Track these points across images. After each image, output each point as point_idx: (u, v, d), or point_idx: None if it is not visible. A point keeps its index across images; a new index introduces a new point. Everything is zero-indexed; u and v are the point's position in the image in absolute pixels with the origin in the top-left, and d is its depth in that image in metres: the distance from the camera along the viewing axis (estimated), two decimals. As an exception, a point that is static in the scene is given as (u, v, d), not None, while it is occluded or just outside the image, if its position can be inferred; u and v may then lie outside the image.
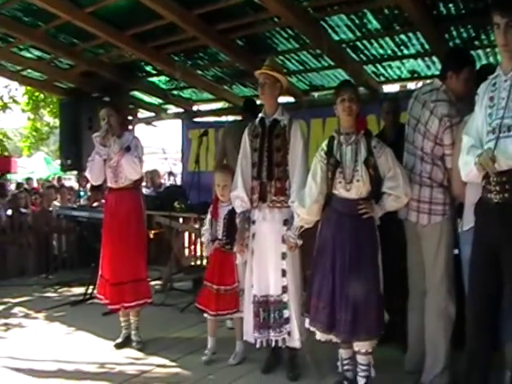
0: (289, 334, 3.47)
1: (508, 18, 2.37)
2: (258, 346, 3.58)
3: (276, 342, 3.51)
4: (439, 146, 3.15)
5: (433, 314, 3.20)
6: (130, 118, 4.65)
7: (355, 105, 3.08)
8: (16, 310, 5.45)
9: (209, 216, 3.92)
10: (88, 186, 11.21)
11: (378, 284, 3.04)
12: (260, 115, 3.68)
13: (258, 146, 3.58)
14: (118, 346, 4.17)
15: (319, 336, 3.17)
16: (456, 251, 3.22)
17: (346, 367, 3.25)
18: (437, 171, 3.17)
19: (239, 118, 6.03)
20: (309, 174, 3.30)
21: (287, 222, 3.48)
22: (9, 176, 11.86)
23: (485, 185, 2.53)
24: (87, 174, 4.19)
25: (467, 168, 2.56)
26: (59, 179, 14.07)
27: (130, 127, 4.27)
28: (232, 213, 3.76)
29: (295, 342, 3.48)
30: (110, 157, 4.04)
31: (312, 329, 3.20)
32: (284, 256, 3.47)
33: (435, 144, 3.15)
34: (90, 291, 5.54)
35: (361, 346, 3.06)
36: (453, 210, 3.22)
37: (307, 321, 3.23)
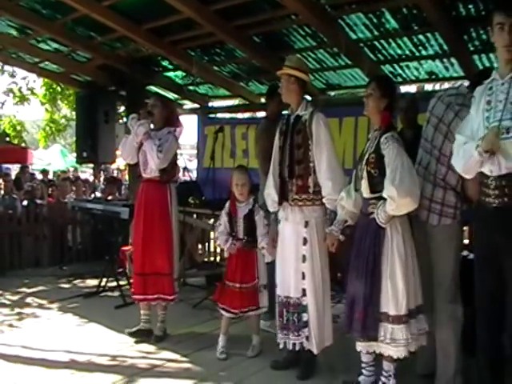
0: (307, 338, 3.41)
1: None
2: (281, 346, 3.58)
3: (294, 345, 3.49)
4: None
5: (441, 318, 3.18)
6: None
7: (372, 101, 3.07)
8: (30, 299, 5.52)
9: (225, 217, 3.89)
10: (102, 179, 11.33)
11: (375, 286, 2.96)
12: (287, 112, 3.65)
13: (282, 143, 3.55)
14: (131, 335, 4.20)
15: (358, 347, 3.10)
16: (471, 255, 3.20)
17: (362, 370, 3.19)
18: (451, 176, 3.13)
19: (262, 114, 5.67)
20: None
21: (308, 224, 3.44)
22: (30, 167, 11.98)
23: (482, 188, 2.53)
24: (120, 147, 4.32)
25: (466, 155, 2.55)
26: (75, 170, 14.20)
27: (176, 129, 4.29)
28: (252, 212, 3.77)
29: (313, 346, 3.42)
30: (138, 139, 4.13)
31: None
32: (304, 259, 3.42)
33: None
34: (103, 284, 5.60)
35: (386, 350, 2.96)
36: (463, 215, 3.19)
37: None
